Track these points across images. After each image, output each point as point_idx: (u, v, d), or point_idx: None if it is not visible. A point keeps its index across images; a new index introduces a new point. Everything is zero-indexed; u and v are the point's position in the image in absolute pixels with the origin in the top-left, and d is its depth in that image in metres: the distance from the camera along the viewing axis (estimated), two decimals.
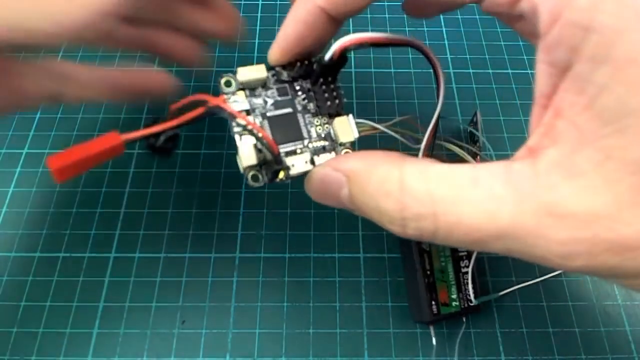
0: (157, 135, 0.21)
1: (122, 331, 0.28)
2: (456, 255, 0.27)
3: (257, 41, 0.40)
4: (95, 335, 0.28)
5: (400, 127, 0.25)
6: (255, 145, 0.21)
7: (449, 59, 0.39)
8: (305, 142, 0.22)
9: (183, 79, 0.28)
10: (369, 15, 0.41)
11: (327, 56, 0.21)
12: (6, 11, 0.19)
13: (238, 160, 0.21)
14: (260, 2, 0.42)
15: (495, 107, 0.36)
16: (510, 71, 0.38)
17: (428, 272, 0.26)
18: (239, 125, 0.21)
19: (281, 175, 0.21)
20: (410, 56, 0.38)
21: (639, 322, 0.28)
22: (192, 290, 0.29)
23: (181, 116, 0.21)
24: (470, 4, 0.20)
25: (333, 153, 0.22)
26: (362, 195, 0.18)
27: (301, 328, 0.28)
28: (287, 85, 0.23)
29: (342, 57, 0.21)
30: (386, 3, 0.42)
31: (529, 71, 0.38)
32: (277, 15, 0.41)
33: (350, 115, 0.23)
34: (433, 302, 0.26)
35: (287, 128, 0.22)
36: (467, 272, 0.27)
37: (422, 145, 0.22)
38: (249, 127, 0.20)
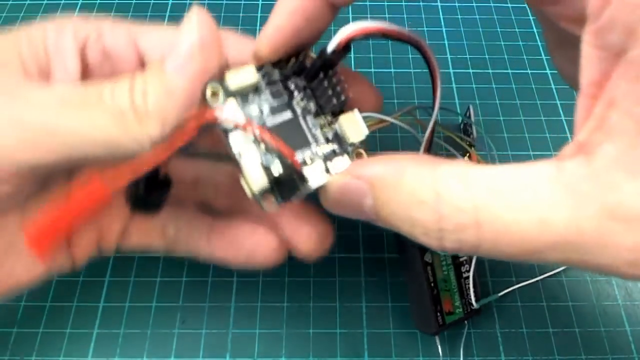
0: (138, 183, 0.19)
1: (122, 331, 0.28)
2: (457, 261, 0.27)
3: None
4: (95, 335, 0.28)
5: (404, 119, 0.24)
6: (261, 163, 0.18)
7: (449, 59, 0.39)
8: (313, 148, 0.20)
9: None
10: (367, 3, 0.41)
11: (331, 47, 0.19)
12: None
13: (243, 184, 0.19)
14: (260, 2, 0.42)
15: (495, 107, 0.36)
16: (510, 71, 0.38)
17: (432, 285, 0.26)
18: (238, 141, 0.18)
19: (299, 191, 0.19)
20: (410, 56, 0.38)
21: (639, 322, 0.28)
22: (192, 290, 0.29)
23: (167, 144, 0.18)
24: None
25: (346, 156, 0.20)
26: (390, 205, 0.16)
27: (301, 328, 0.28)
28: (280, 85, 0.20)
29: (345, 47, 0.19)
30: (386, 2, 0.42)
31: (529, 71, 0.38)
32: None
33: (356, 110, 0.21)
34: (438, 314, 0.26)
35: (290, 136, 0.19)
36: (468, 277, 0.26)
37: (425, 139, 0.21)
38: (266, 139, 0.18)
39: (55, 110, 0.17)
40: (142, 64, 0.22)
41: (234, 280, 0.30)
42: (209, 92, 0.19)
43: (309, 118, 0.20)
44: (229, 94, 0.19)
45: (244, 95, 0.20)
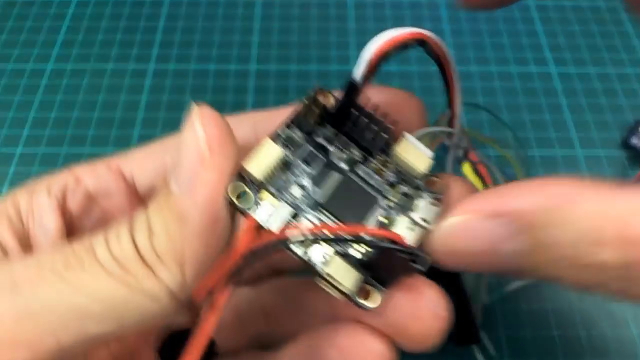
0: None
1: None
2: None
3: (256, 40, 0.39)
4: None
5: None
6: (337, 253, 0.15)
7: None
8: (382, 202, 0.16)
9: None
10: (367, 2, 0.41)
11: (359, 72, 0.15)
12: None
13: (326, 287, 0.15)
14: (259, 0, 0.42)
15: (499, 107, 0.36)
16: (514, 70, 0.38)
17: (467, 295, 0.24)
18: (299, 242, 0.15)
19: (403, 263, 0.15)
20: (412, 54, 0.38)
21: None
22: None
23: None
24: None
25: (425, 195, 0.16)
26: (557, 249, 0.12)
27: None
28: (307, 146, 0.17)
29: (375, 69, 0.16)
30: None
31: (534, 71, 0.38)
32: (276, 12, 0.41)
33: (407, 135, 0.17)
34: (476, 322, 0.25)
35: (350, 200, 0.16)
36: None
37: (450, 155, 0.18)
38: (344, 234, 0.14)
39: (35, 287, 0.14)
40: (138, 199, 0.19)
41: None
42: (234, 197, 0.15)
43: (360, 168, 0.17)
44: (258, 187, 0.15)
45: (274, 179, 0.16)
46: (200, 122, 0.14)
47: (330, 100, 0.17)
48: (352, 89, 0.16)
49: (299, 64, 0.38)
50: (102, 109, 0.35)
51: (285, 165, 0.16)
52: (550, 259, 0.13)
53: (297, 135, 0.17)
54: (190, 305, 0.15)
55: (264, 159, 0.15)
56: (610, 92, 0.36)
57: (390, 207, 0.16)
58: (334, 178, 0.16)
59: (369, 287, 0.15)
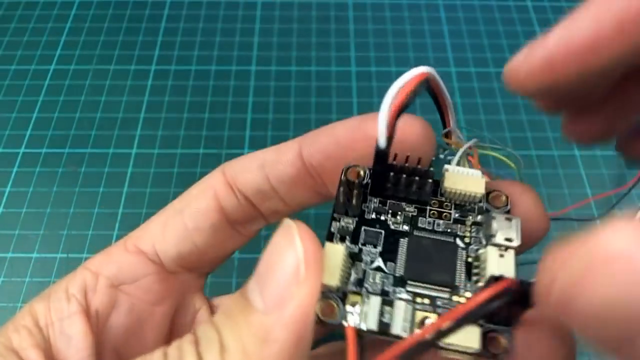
0: None
1: None
2: None
3: (256, 40, 0.39)
4: None
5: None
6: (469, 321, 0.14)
7: (450, 58, 0.38)
8: (462, 242, 0.16)
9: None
10: (368, 2, 0.41)
11: (382, 140, 0.14)
12: None
13: (456, 356, 0.14)
14: (259, 1, 0.42)
15: (497, 106, 0.36)
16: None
17: None
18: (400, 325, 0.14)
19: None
20: (410, 55, 0.38)
21: None
22: None
23: None
24: None
25: (496, 214, 0.16)
26: None
27: None
28: (364, 227, 0.16)
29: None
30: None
31: None
32: (277, 13, 0.41)
33: (446, 166, 0.17)
34: None
35: (430, 257, 0.15)
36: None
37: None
38: (456, 317, 0.13)
39: None
40: (168, 275, 0.18)
41: (233, 281, 0.29)
42: (320, 314, 0.14)
43: (422, 222, 0.16)
44: (338, 294, 0.15)
45: (349, 277, 0.15)
46: (299, 236, 0.13)
47: (361, 173, 0.17)
48: (381, 157, 0.15)
49: (299, 65, 0.38)
50: (104, 110, 0.36)
51: (352, 258, 0.15)
52: None
53: (347, 223, 0.16)
54: None
55: (331, 263, 0.14)
56: None
57: (469, 243, 0.16)
58: (403, 244, 0.16)
59: (493, 335, 0.14)
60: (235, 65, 0.38)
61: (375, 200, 0.17)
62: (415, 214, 0.16)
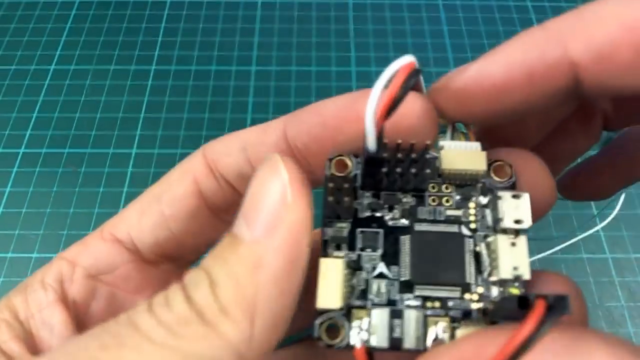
0: None
1: None
2: None
3: (256, 40, 0.40)
4: None
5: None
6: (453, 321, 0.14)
7: (450, 58, 0.38)
8: (467, 230, 0.14)
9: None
10: (368, 1, 0.41)
11: (371, 144, 0.13)
12: None
13: None
14: (259, 1, 0.42)
15: None
16: None
17: None
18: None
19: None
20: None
21: None
22: None
23: None
24: None
25: (503, 193, 0.14)
26: None
27: None
28: (359, 229, 0.15)
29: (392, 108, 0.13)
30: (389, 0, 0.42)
31: None
32: (277, 13, 0.41)
33: (441, 143, 0.15)
34: None
35: (435, 253, 0.14)
36: None
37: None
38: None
39: None
40: (146, 262, 0.18)
41: None
42: (324, 336, 0.13)
43: (421, 212, 0.15)
44: (343, 312, 0.14)
45: (351, 291, 0.14)
46: (284, 165, 0.13)
47: (348, 163, 0.15)
48: (372, 161, 0.14)
49: (299, 64, 0.38)
50: (104, 110, 0.36)
51: (352, 267, 0.14)
52: None
53: (341, 227, 0.14)
54: None
55: (331, 283, 0.13)
56: None
57: (475, 229, 0.14)
58: (405, 242, 0.14)
59: None
60: (235, 65, 0.38)
61: (367, 194, 0.15)
62: (413, 204, 0.15)
